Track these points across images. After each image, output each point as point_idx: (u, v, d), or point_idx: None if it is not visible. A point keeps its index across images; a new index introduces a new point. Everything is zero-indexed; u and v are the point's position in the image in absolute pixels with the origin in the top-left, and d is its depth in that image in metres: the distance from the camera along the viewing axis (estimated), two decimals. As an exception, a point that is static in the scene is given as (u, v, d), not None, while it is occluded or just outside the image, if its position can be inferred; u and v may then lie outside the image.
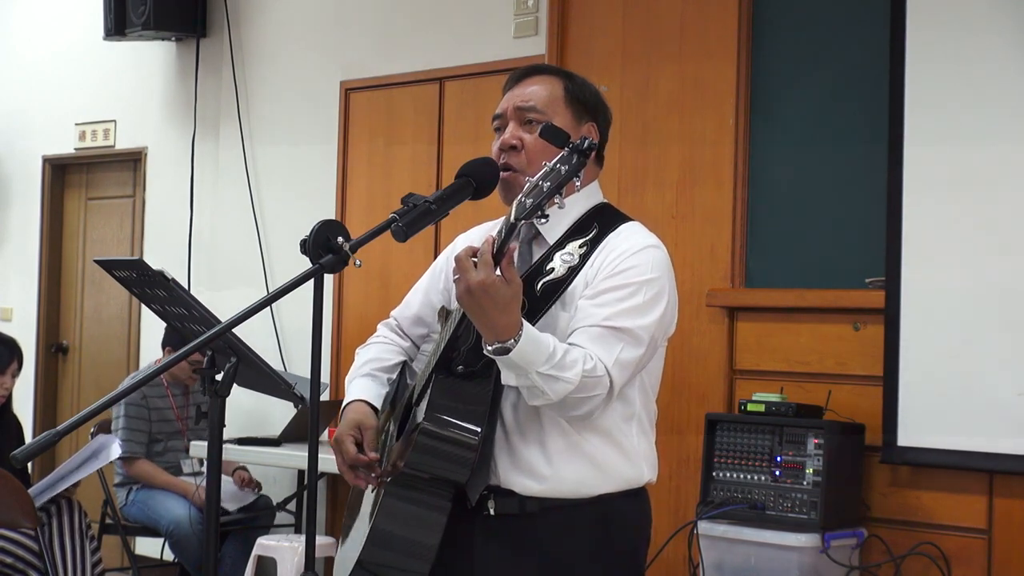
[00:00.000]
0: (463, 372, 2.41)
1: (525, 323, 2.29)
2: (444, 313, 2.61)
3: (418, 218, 2.36)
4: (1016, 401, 3.96)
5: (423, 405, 2.40)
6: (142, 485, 5.83)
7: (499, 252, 2.26)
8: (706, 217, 4.77)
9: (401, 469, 2.39)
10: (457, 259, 2.28)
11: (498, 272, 2.25)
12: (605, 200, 2.63)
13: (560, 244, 2.51)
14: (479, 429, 2.37)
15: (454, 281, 2.30)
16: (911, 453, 4.16)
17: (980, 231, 4.08)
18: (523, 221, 2.21)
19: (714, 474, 4.32)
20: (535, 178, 2.20)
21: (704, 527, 4.20)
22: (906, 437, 4.15)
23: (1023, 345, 3.98)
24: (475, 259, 2.26)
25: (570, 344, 2.37)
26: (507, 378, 2.33)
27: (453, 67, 5.72)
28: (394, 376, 2.69)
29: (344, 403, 2.63)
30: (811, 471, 4.13)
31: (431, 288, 2.75)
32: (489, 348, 2.29)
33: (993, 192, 4.07)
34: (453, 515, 2.42)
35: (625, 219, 2.58)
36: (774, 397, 4.32)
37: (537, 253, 2.52)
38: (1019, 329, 3.99)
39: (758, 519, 4.18)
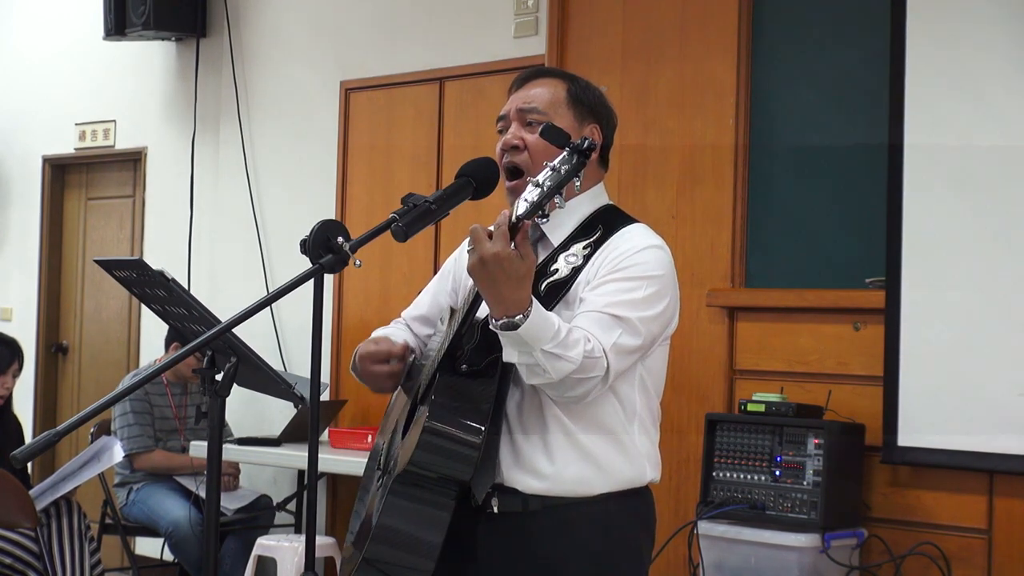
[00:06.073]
0: (467, 371, 2.42)
1: (534, 300, 2.30)
2: (451, 312, 2.62)
3: (418, 218, 2.37)
4: (1016, 401, 3.96)
5: (427, 404, 2.41)
6: (142, 485, 5.83)
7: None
8: (706, 217, 4.77)
9: (406, 467, 2.39)
10: (472, 230, 2.29)
11: (513, 246, 2.26)
12: (611, 202, 2.65)
13: (565, 246, 2.53)
14: (482, 427, 2.38)
15: (468, 252, 2.30)
16: (911, 453, 4.16)
17: (980, 231, 4.08)
18: (525, 220, 2.23)
19: (714, 474, 4.32)
20: (536, 178, 2.23)
21: (704, 527, 4.20)
22: (906, 437, 4.15)
23: (1023, 345, 3.98)
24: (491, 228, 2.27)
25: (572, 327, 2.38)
26: (509, 355, 2.34)
27: (453, 67, 5.72)
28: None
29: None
30: (811, 471, 4.13)
31: (439, 290, 2.77)
32: (497, 323, 2.29)
33: (993, 192, 4.07)
34: (457, 513, 2.43)
35: (630, 221, 2.59)
36: (774, 397, 4.32)
37: (542, 255, 2.54)
38: (1019, 329, 3.99)
39: (758, 519, 4.18)
